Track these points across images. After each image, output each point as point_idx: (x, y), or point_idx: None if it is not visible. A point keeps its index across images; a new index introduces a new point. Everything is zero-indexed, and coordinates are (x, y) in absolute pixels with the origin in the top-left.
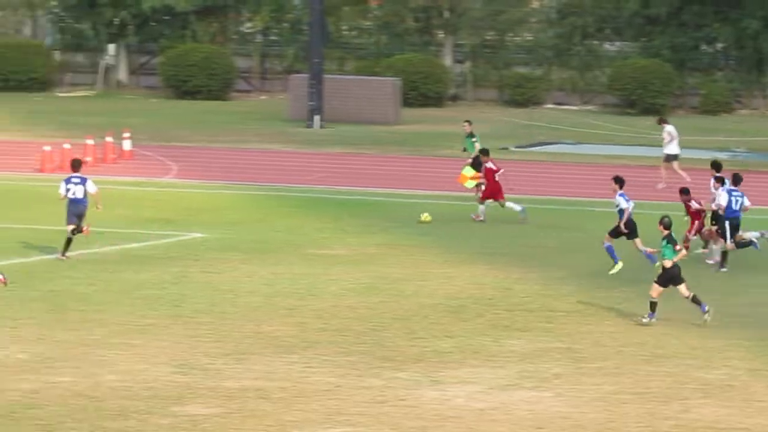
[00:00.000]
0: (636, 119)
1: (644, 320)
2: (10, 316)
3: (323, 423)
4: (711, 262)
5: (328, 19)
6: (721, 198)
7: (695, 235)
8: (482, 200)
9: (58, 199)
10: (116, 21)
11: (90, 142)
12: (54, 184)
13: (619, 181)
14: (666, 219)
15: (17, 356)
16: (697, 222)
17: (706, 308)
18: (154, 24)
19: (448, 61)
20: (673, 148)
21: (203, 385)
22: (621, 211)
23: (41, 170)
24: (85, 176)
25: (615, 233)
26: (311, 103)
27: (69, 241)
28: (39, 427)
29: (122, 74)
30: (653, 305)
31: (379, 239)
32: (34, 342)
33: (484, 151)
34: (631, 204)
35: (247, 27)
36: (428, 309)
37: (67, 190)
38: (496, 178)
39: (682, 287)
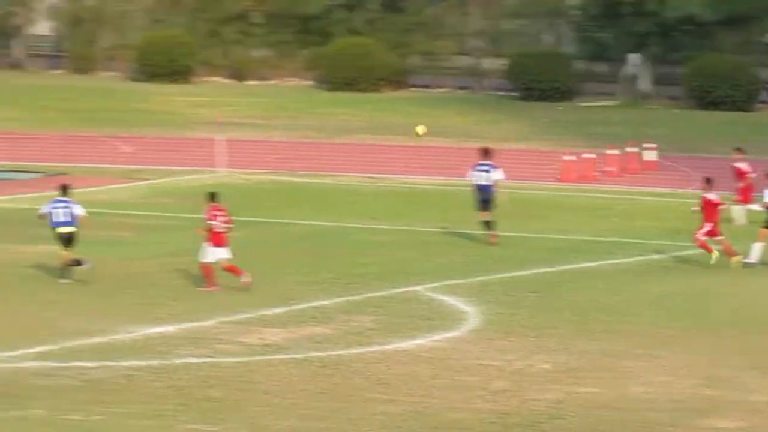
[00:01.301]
0: None
1: None
2: (534, 326)
3: None
4: None
5: None
6: None
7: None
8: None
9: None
10: (639, 31)
11: (612, 152)
12: (574, 194)
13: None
14: None
15: (541, 366)
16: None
17: None
18: (676, 34)
19: None
20: None
21: (728, 398)
22: None
23: (561, 179)
24: (494, 165)
25: None
26: None
27: (488, 224)
28: None
29: (645, 84)
30: None
31: None
32: (558, 352)
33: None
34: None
35: None
36: None
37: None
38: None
39: None
